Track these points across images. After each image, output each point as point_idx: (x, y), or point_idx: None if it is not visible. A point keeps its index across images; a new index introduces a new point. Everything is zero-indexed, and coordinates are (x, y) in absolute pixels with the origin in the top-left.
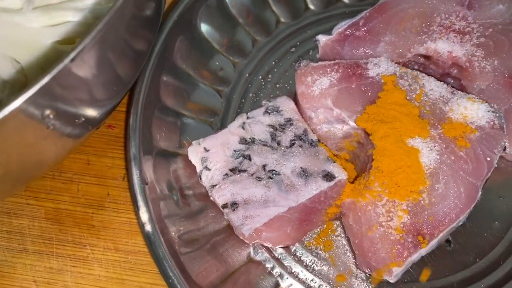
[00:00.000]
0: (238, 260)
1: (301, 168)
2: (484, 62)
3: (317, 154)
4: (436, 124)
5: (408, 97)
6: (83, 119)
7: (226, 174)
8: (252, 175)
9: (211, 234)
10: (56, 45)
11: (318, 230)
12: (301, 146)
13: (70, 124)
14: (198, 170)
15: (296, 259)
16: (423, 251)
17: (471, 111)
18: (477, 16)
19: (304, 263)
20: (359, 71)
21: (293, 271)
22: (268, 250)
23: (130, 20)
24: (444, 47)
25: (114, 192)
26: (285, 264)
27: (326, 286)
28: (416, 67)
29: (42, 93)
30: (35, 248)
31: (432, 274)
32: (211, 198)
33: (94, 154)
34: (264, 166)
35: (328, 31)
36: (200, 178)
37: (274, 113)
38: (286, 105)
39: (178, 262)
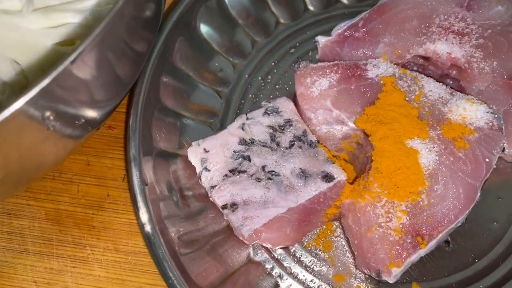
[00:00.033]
0: (238, 261)
1: (301, 169)
2: (483, 63)
3: (316, 155)
4: (435, 125)
5: (407, 98)
6: (83, 120)
7: (226, 175)
8: (251, 176)
9: (210, 235)
10: (56, 47)
11: (318, 230)
12: (300, 147)
13: (70, 125)
14: (197, 171)
15: (296, 259)
16: (422, 252)
17: (470, 112)
18: (476, 17)
19: (304, 264)
20: (358, 72)
21: (292, 271)
22: (268, 250)
23: (130, 22)
24: (443, 48)
25: (114, 193)
26: (285, 265)
27: (325, 287)
28: (415, 68)
29: (43, 95)
30: (35, 248)
31: (430, 275)
32: (210, 199)
33: (94, 155)
34: (263, 167)
35: (327, 32)
36: (200, 179)
37: (274, 114)
38: (285, 106)
39: (178, 262)
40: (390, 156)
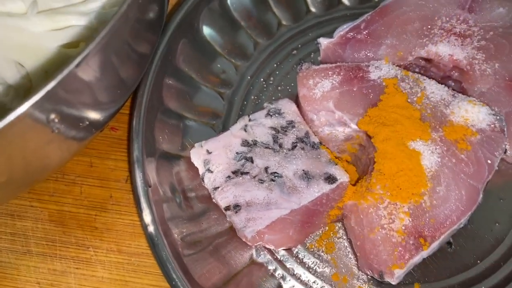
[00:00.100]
0: (241, 262)
1: (303, 170)
2: (485, 65)
3: (319, 156)
4: (437, 127)
5: (409, 100)
6: (87, 122)
7: (229, 177)
8: (254, 177)
9: (213, 236)
10: (60, 49)
11: (320, 232)
12: (303, 149)
13: (74, 128)
14: (200, 172)
15: (298, 261)
16: (424, 253)
17: (472, 114)
18: (477, 19)
19: (306, 265)
20: (361, 74)
21: (295, 273)
22: (271, 252)
23: (134, 24)
24: (445, 50)
25: (117, 194)
26: (288, 266)
27: None
28: (417, 70)
29: (48, 98)
30: (39, 250)
31: (433, 276)
32: (213, 200)
33: (97, 157)
34: (266, 169)
35: (329, 34)
36: (203, 181)
37: (276, 115)
38: (288, 107)
39: (181, 264)
40: (393, 158)
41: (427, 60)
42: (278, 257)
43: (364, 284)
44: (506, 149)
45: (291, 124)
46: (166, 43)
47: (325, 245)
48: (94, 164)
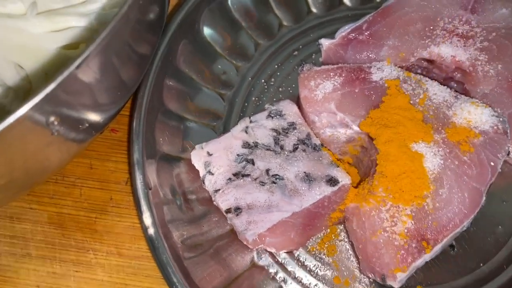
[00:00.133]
0: (242, 265)
1: (305, 172)
2: (488, 66)
3: (320, 158)
4: (439, 128)
5: (411, 102)
6: (87, 124)
7: (230, 179)
8: (255, 179)
9: (214, 239)
10: (60, 50)
11: (322, 234)
12: (304, 151)
13: (74, 130)
14: (201, 174)
15: (300, 264)
16: (427, 256)
17: (475, 116)
18: (480, 20)
19: (308, 268)
20: (363, 75)
21: (296, 276)
22: (272, 255)
23: (134, 25)
24: (447, 51)
25: (117, 196)
26: (289, 269)
27: None
28: (419, 71)
29: (48, 100)
30: (38, 252)
31: (435, 279)
32: (214, 202)
33: (97, 158)
34: (267, 171)
35: (331, 35)
36: (204, 183)
37: (277, 117)
38: (289, 109)
39: (181, 267)
40: (395, 160)
41: (429, 61)
42: (279, 260)
43: (366, 287)
44: (509, 151)
45: (292, 125)
46: (167, 44)
47: (327, 248)
48: (94, 166)
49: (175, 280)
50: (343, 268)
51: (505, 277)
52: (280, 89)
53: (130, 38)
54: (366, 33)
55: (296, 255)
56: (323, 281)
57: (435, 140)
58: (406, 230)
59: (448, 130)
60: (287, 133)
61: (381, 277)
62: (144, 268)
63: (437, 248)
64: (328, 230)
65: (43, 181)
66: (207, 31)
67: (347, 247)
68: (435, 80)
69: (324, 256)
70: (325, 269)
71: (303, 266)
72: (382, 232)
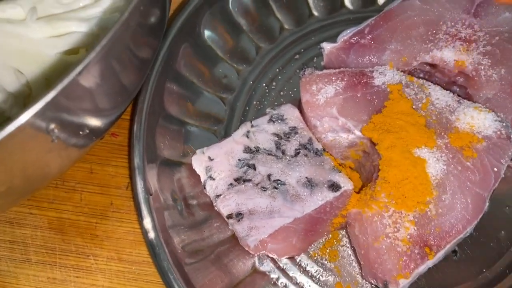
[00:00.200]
0: (243, 271)
1: (306, 178)
2: (491, 70)
3: (322, 163)
4: (442, 133)
5: (414, 106)
6: (87, 130)
7: (231, 184)
8: (257, 185)
9: (215, 244)
10: (60, 55)
11: (323, 240)
12: (306, 155)
13: (74, 136)
14: (202, 179)
15: (302, 269)
16: (430, 262)
17: (478, 121)
18: (483, 24)
19: (310, 274)
20: (365, 80)
21: (298, 281)
22: (273, 260)
23: (136, 29)
24: (450, 55)
25: (117, 201)
26: (290, 275)
27: None
28: (421, 75)
29: (48, 107)
30: (38, 258)
31: (438, 285)
32: (215, 208)
33: (97, 163)
34: (269, 176)
35: (332, 38)
36: (205, 188)
37: (279, 121)
38: (290, 113)
39: (182, 273)
40: (398, 165)
41: (432, 65)
42: (281, 265)
43: None
44: None
45: (294, 130)
46: (167, 48)
47: (329, 253)
48: (94, 171)
49: (176, 286)
50: (345, 274)
51: (508, 282)
52: (282, 93)
53: (131, 43)
54: (368, 37)
55: (298, 261)
56: (325, 286)
57: (438, 145)
58: (408, 236)
59: (451, 135)
60: (288, 137)
61: (384, 283)
62: (145, 274)
63: (440, 254)
64: (330, 235)
65: (43, 187)
66: (208, 34)
67: (349, 252)
68: (438, 84)
69: (326, 262)
70: (327, 274)
71: (304, 271)
72: (385, 238)
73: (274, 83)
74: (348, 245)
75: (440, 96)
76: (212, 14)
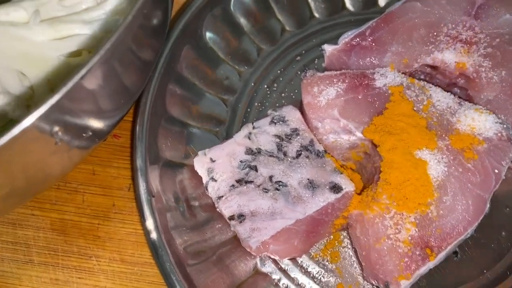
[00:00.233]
0: (245, 272)
1: (308, 179)
2: (492, 72)
3: (324, 165)
4: (443, 135)
5: (415, 108)
6: (90, 132)
7: (233, 185)
8: (258, 186)
9: (217, 246)
10: (62, 58)
11: (325, 241)
12: (307, 157)
13: (77, 138)
14: (204, 181)
15: (303, 270)
16: (431, 264)
17: (479, 123)
18: (484, 26)
19: (311, 275)
20: (366, 82)
21: (300, 282)
22: (275, 261)
23: (138, 32)
24: (451, 57)
25: (119, 202)
26: (292, 276)
27: None
28: (422, 76)
29: (52, 111)
30: (41, 259)
31: (438, 286)
32: (217, 209)
33: (99, 164)
34: (270, 177)
35: (333, 39)
36: (207, 189)
37: (280, 123)
38: (292, 115)
39: (185, 274)
40: (399, 167)
41: (433, 67)
42: (283, 266)
43: None
44: None
45: (295, 132)
46: (170, 50)
47: (330, 254)
48: (96, 172)
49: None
50: (346, 275)
51: (509, 283)
52: (283, 94)
53: (134, 45)
54: (369, 39)
55: (299, 262)
56: (327, 287)
57: (439, 147)
58: (410, 238)
59: (452, 137)
60: (290, 139)
61: (385, 284)
62: (147, 275)
63: (441, 255)
64: (332, 236)
65: (46, 189)
66: (209, 36)
67: (351, 253)
68: (439, 86)
69: (327, 263)
70: (329, 275)
71: (306, 272)
72: (386, 240)
73: (275, 85)
74: (349, 246)
75: (441, 98)
76: (213, 16)
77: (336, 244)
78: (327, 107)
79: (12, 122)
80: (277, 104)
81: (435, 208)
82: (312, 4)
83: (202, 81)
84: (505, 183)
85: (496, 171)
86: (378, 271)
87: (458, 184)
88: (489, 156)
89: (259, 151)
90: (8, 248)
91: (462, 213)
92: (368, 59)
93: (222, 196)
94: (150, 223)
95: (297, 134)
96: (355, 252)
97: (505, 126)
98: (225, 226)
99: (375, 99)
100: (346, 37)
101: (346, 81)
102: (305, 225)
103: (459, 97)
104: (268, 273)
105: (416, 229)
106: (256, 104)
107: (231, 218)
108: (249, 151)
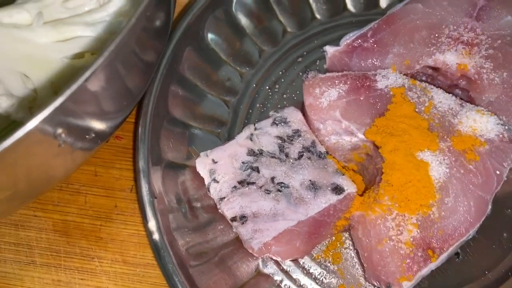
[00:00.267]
0: (247, 273)
1: (310, 180)
2: (493, 74)
3: (325, 166)
4: (445, 137)
5: (417, 110)
6: (93, 134)
7: (235, 187)
8: (260, 187)
9: (219, 247)
10: (66, 60)
11: (327, 242)
12: (309, 158)
13: (80, 140)
14: (206, 182)
15: (305, 272)
16: (433, 265)
17: (480, 124)
18: (485, 27)
19: (313, 276)
20: (368, 83)
21: (301, 284)
22: (277, 262)
23: (141, 34)
24: (452, 59)
25: (122, 203)
26: (294, 277)
27: None
28: (424, 78)
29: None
30: (43, 260)
31: (441, 287)
32: (219, 210)
33: (101, 166)
34: (272, 179)
35: (335, 41)
36: (209, 191)
37: (282, 124)
38: (293, 116)
39: (187, 275)
40: (401, 168)
41: (434, 68)
42: (285, 267)
43: None
44: None
45: (297, 133)
46: (172, 51)
47: (332, 255)
48: (98, 173)
49: None
50: (348, 276)
51: (511, 284)
52: (285, 95)
53: (137, 47)
54: (371, 41)
55: (301, 263)
56: None
57: (440, 148)
58: (412, 239)
59: (453, 138)
60: (292, 140)
61: (387, 286)
62: (149, 276)
63: (443, 256)
64: (333, 238)
65: (48, 190)
66: (211, 37)
67: (352, 254)
68: (440, 87)
69: (329, 264)
70: (330, 277)
71: (308, 274)
72: (388, 241)
73: (277, 86)
74: (351, 247)
75: (442, 100)
76: (215, 17)
77: (338, 245)
78: (328, 109)
79: (15, 123)
80: (279, 106)
81: (437, 209)
82: (313, 6)
83: (204, 83)
84: (506, 184)
85: (498, 172)
86: (380, 272)
87: (460, 186)
88: (490, 157)
89: (261, 153)
90: (10, 249)
91: (464, 214)
92: (370, 60)
93: (224, 197)
94: (152, 224)
95: (299, 136)
96: (357, 253)
97: (506, 127)
98: (227, 227)
99: (377, 100)
100: (347, 39)
101: (348, 82)
102: (307, 226)
103: (461, 99)
104: (270, 274)
105: (418, 231)
106: (257, 105)
107: (233, 219)
108: (251, 153)
